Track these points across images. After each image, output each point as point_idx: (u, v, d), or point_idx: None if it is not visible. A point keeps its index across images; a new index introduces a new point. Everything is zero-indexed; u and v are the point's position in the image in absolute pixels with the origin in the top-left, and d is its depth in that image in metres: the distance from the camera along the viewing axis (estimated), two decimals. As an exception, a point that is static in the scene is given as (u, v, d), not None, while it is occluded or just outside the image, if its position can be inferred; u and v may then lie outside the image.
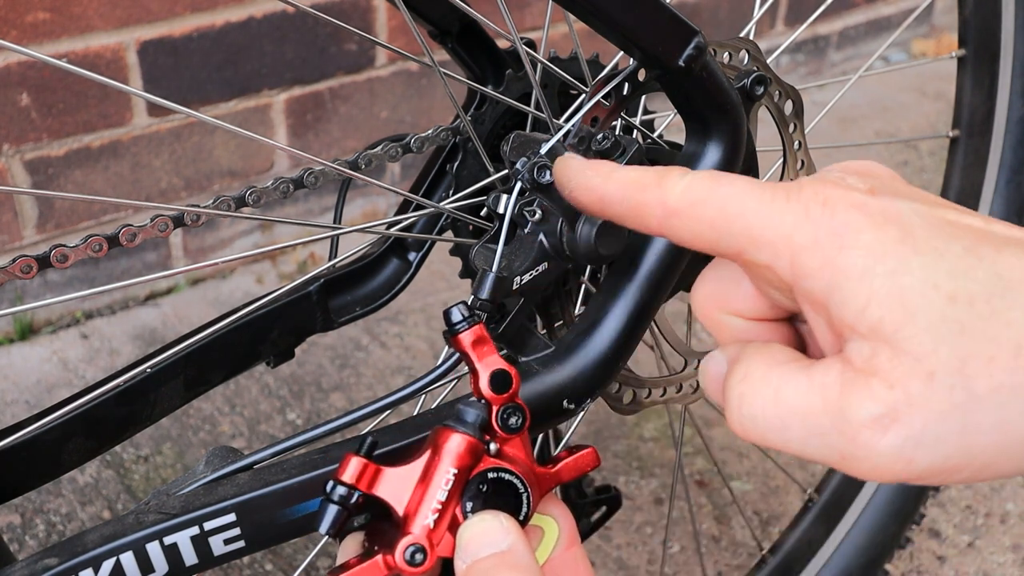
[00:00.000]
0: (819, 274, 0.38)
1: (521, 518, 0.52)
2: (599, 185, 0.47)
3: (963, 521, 1.38)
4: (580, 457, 0.57)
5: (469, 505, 0.51)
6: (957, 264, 0.36)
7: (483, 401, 0.53)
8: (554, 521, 0.55)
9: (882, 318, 0.36)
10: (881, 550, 1.14)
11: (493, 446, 0.52)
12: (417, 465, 0.52)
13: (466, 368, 0.54)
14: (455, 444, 0.51)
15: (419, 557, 0.50)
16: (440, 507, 0.51)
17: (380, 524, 0.54)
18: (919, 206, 0.38)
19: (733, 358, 0.43)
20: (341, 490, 0.51)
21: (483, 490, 0.51)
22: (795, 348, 0.43)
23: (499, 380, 0.53)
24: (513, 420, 0.53)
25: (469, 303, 0.55)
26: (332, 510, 0.51)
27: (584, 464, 0.57)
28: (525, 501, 0.53)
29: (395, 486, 0.52)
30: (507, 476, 0.52)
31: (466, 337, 0.53)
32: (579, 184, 0.49)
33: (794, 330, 0.45)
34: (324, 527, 0.51)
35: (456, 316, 0.53)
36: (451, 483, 0.51)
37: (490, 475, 0.52)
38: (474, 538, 0.50)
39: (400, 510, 0.51)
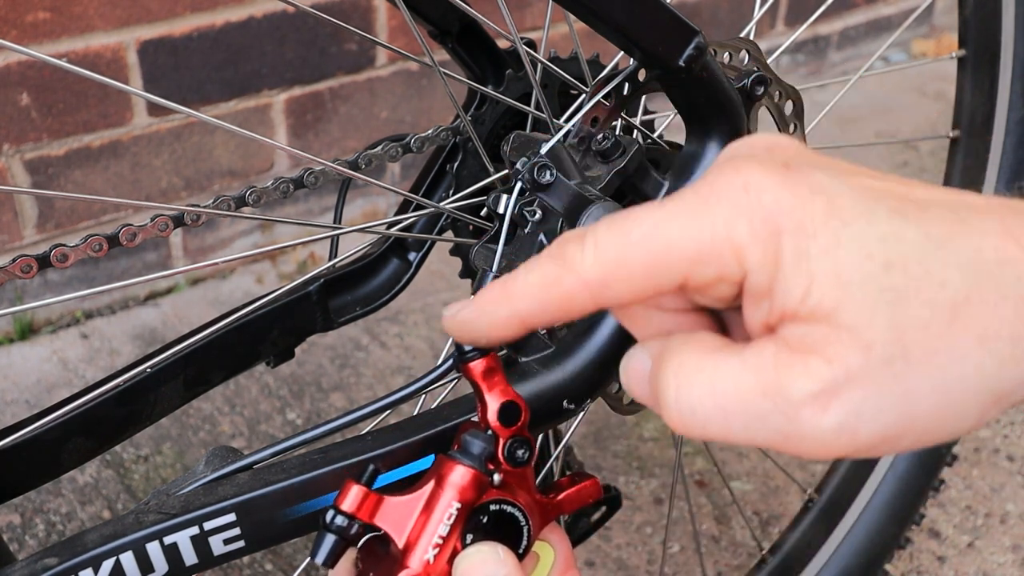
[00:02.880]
0: (762, 267, 0.36)
1: (520, 551, 0.51)
2: (507, 309, 0.41)
3: (963, 521, 1.38)
4: (583, 488, 0.56)
5: (469, 536, 0.50)
6: (887, 227, 0.35)
7: (490, 432, 0.51)
8: (550, 547, 0.54)
9: (822, 298, 0.35)
10: (881, 550, 1.14)
11: (497, 477, 0.51)
12: (420, 495, 0.50)
13: None
14: (459, 477, 0.50)
15: None
16: (441, 542, 0.49)
17: (375, 549, 0.52)
18: (837, 173, 0.37)
19: (657, 353, 0.40)
20: (340, 520, 0.49)
21: (484, 522, 0.50)
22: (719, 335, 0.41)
23: (508, 412, 0.51)
24: (520, 453, 0.51)
25: None
26: (329, 539, 0.49)
27: (587, 495, 0.56)
28: (525, 534, 0.51)
29: (396, 516, 0.50)
30: (509, 508, 0.51)
31: (477, 366, 0.50)
32: (487, 324, 0.42)
33: (715, 317, 0.43)
34: (321, 557, 0.49)
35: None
36: (454, 518, 0.49)
37: (492, 507, 0.50)
38: (470, 568, 0.49)
39: (400, 542, 0.50)
